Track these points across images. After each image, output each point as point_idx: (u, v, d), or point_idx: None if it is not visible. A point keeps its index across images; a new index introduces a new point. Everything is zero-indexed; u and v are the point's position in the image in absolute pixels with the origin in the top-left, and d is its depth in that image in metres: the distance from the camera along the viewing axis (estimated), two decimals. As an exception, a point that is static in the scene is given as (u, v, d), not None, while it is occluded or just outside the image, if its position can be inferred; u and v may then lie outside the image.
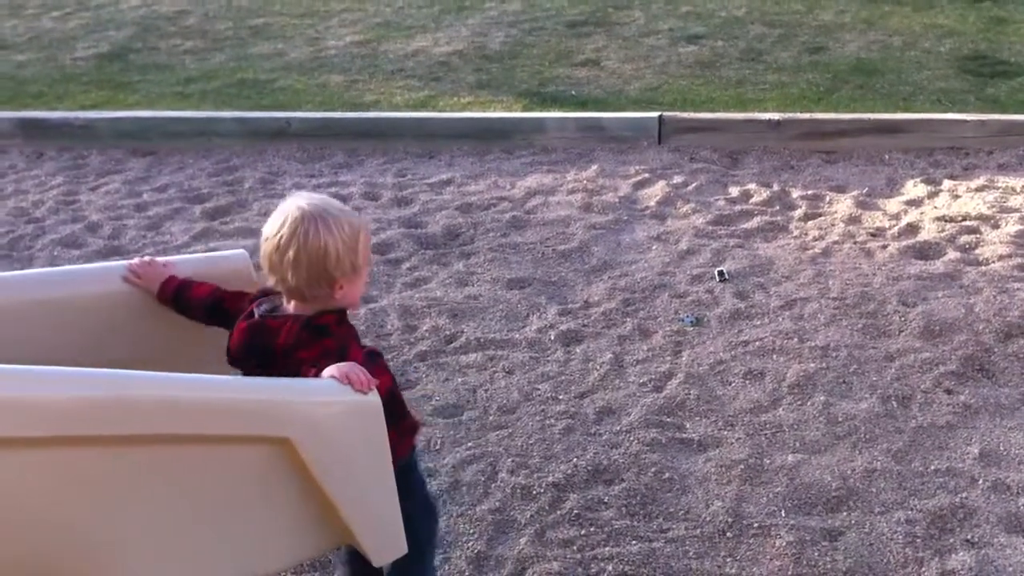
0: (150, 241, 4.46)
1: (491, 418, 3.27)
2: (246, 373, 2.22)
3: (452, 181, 5.01)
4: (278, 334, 2.15)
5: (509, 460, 3.05)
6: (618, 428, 3.18)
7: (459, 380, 3.46)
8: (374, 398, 2.13)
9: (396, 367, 3.52)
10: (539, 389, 3.40)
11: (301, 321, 2.15)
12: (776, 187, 4.87)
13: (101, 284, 2.44)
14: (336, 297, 2.17)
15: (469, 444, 3.13)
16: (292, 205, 2.15)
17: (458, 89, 6.23)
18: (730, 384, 3.39)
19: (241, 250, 2.78)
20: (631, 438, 3.13)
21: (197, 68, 6.75)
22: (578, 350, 3.61)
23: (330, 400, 2.12)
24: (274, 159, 5.34)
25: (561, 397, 3.35)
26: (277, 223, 2.15)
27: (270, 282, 2.22)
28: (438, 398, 3.36)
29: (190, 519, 2.01)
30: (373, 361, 2.22)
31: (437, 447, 3.13)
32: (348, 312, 2.23)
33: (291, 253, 2.11)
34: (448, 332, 3.74)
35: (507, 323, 3.79)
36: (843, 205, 4.66)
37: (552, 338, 3.68)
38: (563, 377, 3.46)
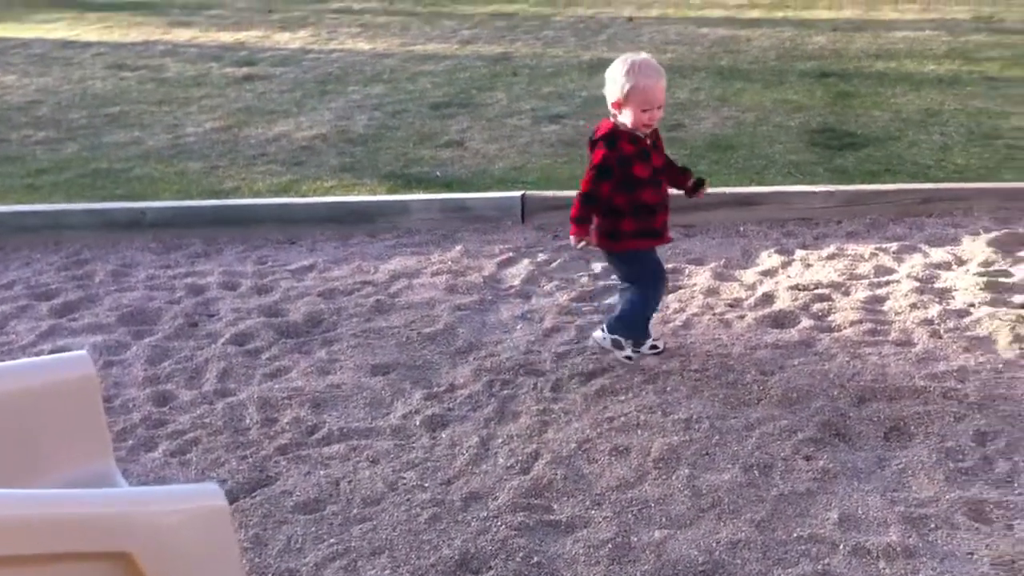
0: (-6, 341, 4.25)
1: (355, 511, 3.18)
2: None
3: (314, 267, 4.94)
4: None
5: (374, 554, 2.97)
6: (485, 514, 3.13)
7: (321, 473, 3.36)
8: (220, 502, 2.05)
9: (255, 463, 3.41)
10: (404, 478, 3.33)
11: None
12: (637, 262, 4.94)
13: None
14: (614, 114, 3.71)
15: (332, 540, 3.03)
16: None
17: (321, 173, 6.19)
18: (596, 462, 3.38)
19: (82, 352, 2.67)
20: (499, 523, 3.08)
21: (49, 159, 6.55)
22: (444, 435, 3.56)
23: (172, 508, 2.03)
24: (127, 250, 5.18)
25: (427, 485, 3.29)
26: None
27: None
28: (299, 493, 3.25)
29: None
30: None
31: (298, 545, 3.02)
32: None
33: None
34: (310, 423, 3.64)
35: (371, 411, 3.72)
36: (702, 277, 4.76)
37: (417, 424, 3.62)
38: (429, 464, 3.40)
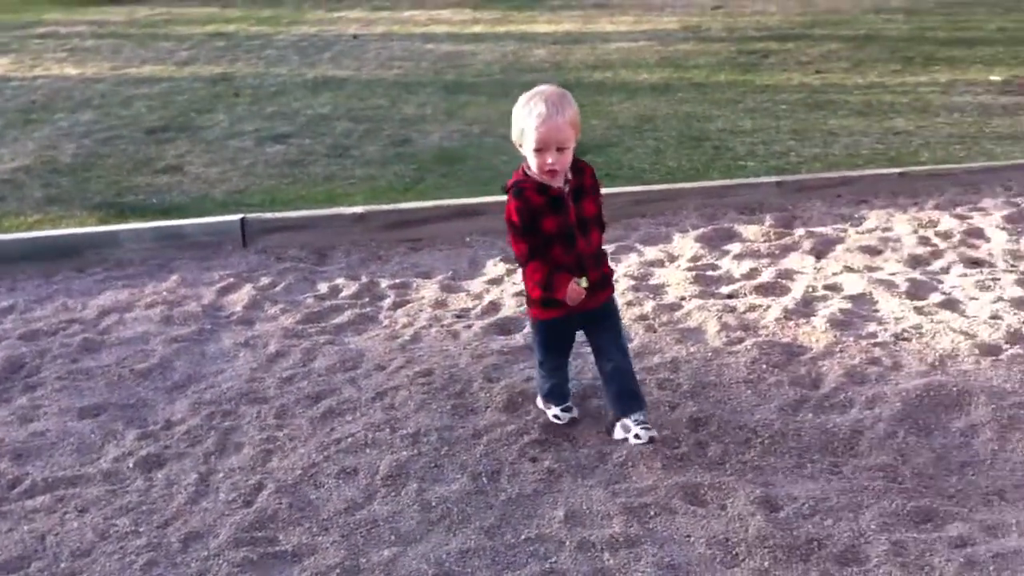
0: None
1: (62, 566, 2.94)
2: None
3: (14, 308, 4.57)
4: None
5: (82, 611, 2.76)
6: (206, 553, 2.97)
7: (25, 528, 3.09)
8: None
9: (-56, 527, 3.10)
10: (117, 525, 3.11)
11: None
12: (365, 279, 4.89)
13: None
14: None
15: (35, 601, 2.79)
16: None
17: (24, 207, 5.77)
18: (323, 486, 3.29)
19: None
20: (220, 561, 2.93)
21: None
22: (160, 475, 3.36)
23: None
24: None
25: (142, 529, 3.09)
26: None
27: None
28: (0, 552, 2.98)
29: None
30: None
31: (-5, 612, 2.76)
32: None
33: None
34: (11, 476, 3.35)
35: (79, 457, 3.46)
36: (430, 290, 4.76)
37: (131, 466, 3.40)
38: (144, 507, 3.20)
